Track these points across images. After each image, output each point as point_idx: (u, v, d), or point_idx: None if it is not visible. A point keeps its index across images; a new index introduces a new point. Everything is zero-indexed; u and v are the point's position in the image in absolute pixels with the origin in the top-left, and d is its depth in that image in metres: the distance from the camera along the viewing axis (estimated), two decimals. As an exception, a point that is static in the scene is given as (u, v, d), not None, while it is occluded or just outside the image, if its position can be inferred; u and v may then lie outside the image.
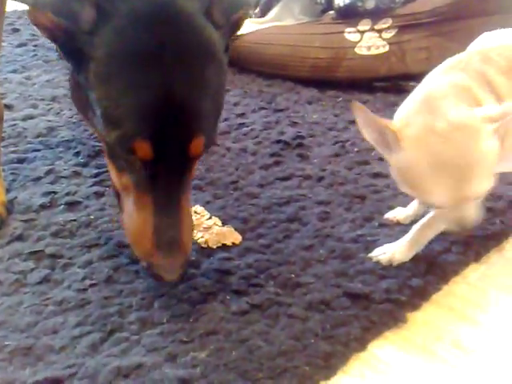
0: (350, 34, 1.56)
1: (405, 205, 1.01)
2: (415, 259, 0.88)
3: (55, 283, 0.84)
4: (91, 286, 0.83)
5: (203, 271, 0.86)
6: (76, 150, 1.21)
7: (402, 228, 0.96)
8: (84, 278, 0.84)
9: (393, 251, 0.89)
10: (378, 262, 0.88)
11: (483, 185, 0.72)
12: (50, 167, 1.13)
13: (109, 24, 0.70)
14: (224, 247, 0.92)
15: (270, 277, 0.85)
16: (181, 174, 0.74)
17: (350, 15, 1.56)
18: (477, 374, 0.73)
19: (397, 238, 0.91)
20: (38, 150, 1.20)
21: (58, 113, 1.40)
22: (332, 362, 0.72)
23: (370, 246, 0.92)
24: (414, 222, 0.93)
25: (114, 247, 0.91)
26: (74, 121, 1.36)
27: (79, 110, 0.84)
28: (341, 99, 1.48)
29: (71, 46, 0.72)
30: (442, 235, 0.90)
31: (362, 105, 0.74)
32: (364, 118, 0.75)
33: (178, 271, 0.74)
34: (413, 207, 0.99)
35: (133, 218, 0.76)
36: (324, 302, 0.80)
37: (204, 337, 0.74)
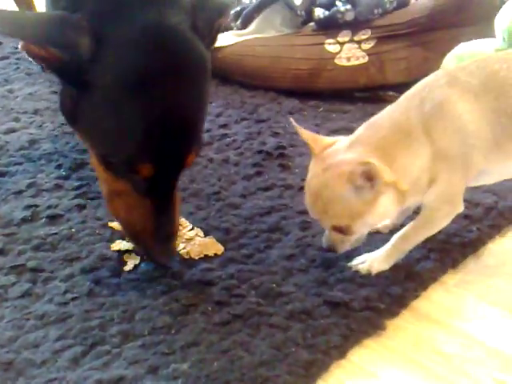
0: (330, 46, 1.58)
1: (384, 213, 1.03)
2: (394, 267, 0.90)
3: (36, 297, 0.84)
4: (72, 299, 0.83)
5: (185, 282, 0.87)
6: (58, 163, 1.21)
7: (381, 237, 0.97)
8: (65, 292, 0.85)
9: (372, 260, 0.90)
10: (357, 271, 0.90)
11: (326, 218, 0.84)
12: (32, 180, 1.13)
13: (106, 51, 0.72)
14: (206, 258, 0.92)
15: (252, 287, 0.86)
16: (175, 178, 0.81)
17: (329, 26, 1.58)
18: (456, 380, 0.74)
19: (376, 247, 0.92)
20: (20, 164, 1.20)
21: (40, 126, 1.39)
22: (312, 370, 0.73)
23: (350, 254, 0.93)
24: (393, 231, 0.95)
25: (96, 260, 0.91)
26: (56, 134, 1.36)
27: (73, 127, 0.86)
28: (322, 109, 1.49)
29: (71, 73, 0.74)
30: (420, 243, 0.92)
31: (293, 122, 0.88)
32: (297, 130, 0.88)
33: (174, 256, 0.87)
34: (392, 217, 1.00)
35: (133, 217, 0.82)
36: (305, 311, 0.81)
37: (185, 348, 0.75)
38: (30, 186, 1.12)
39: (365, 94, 1.57)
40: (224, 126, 1.41)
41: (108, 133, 0.76)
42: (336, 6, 1.57)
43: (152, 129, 0.74)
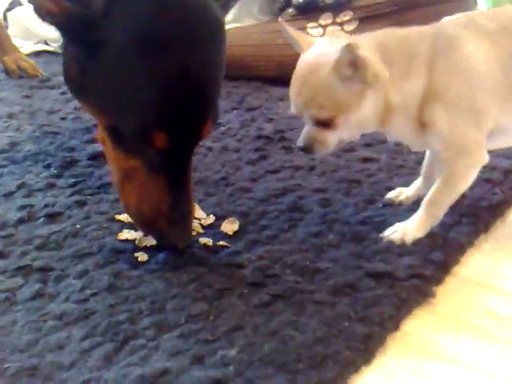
0: (313, 29, 1.55)
1: (400, 185, 0.99)
2: (429, 233, 0.85)
3: (50, 297, 0.75)
4: (92, 295, 0.75)
5: (213, 268, 0.80)
6: (46, 163, 1.12)
7: (407, 207, 0.93)
8: (83, 289, 0.76)
9: (405, 229, 0.85)
10: (391, 241, 0.85)
11: (311, 108, 0.79)
12: (21, 181, 1.04)
13: (121, 7, 0.67)
14: (230, 241, 0.86)
15: (286, 266, 0.80)
16: (190, 152, 0.74)
17: (310, 10, 1.55)
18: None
19: (404, 216, 0.88)
20: (5, 166, 1.11)
21: (18, 128, 1.30)
22: (371, 344, 0.67)
23: (380, 226, 0.88)
24: (417, 201, 0.91)
25: (110, 254, 0.83)
26: (38, 135, 1.27)
27: (77, 97, 0.79)
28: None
29: (79, 31, 0.69)
30: (450, 208, 0.88)
31: (285, 23, 0.87)
32: (287, 32, 0.85)
33: (190, 237, 0.80)
34: (414, 187, 0.96)
35: (145, 199, 0.75)
36: (348, 285, 0.75)
37: (230, 333, 0.68)
38: (19, 187, 1.02)
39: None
40: (215, 115, 1.34)
41: (119, 97, 0.69)
42: (316, -12, 1.54)
43: (167, 91, 0.68)
